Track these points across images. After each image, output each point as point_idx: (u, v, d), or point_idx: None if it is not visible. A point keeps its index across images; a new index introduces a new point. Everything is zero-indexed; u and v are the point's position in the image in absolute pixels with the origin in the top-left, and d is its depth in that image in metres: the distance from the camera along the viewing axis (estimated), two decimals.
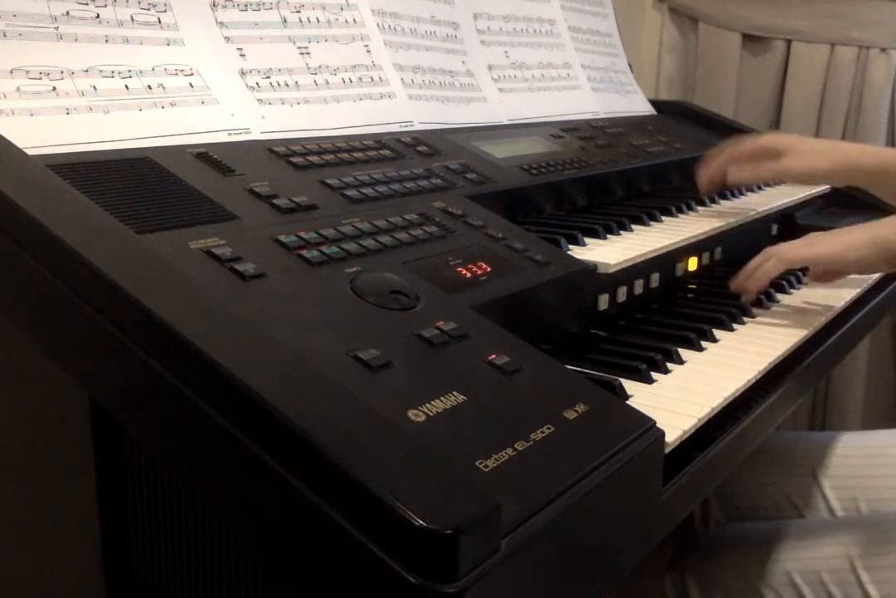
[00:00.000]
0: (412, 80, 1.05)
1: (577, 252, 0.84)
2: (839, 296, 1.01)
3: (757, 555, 0.96)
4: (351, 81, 0.97)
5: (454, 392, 0.51)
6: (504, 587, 0.43)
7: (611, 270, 0.82)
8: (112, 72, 0.76)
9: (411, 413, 0.48)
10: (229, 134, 0.81)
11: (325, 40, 0.96)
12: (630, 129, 1.33)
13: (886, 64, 1.82)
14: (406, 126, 1.00)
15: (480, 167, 0.95)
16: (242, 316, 0.51)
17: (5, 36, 0.70)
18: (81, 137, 0.70)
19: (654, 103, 1.56)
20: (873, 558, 0.90)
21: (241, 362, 0.46)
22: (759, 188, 1.29)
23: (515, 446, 0.48)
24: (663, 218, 1.03)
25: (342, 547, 0.42)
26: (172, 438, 0.50)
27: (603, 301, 0.87)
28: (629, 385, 0.68)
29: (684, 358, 0.76)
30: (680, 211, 1.08)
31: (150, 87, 0.78)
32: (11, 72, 0.70)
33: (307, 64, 0.93)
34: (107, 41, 0.77)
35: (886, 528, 0.95)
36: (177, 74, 0.80)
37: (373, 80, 0.99)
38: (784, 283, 1.03)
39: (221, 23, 0.87)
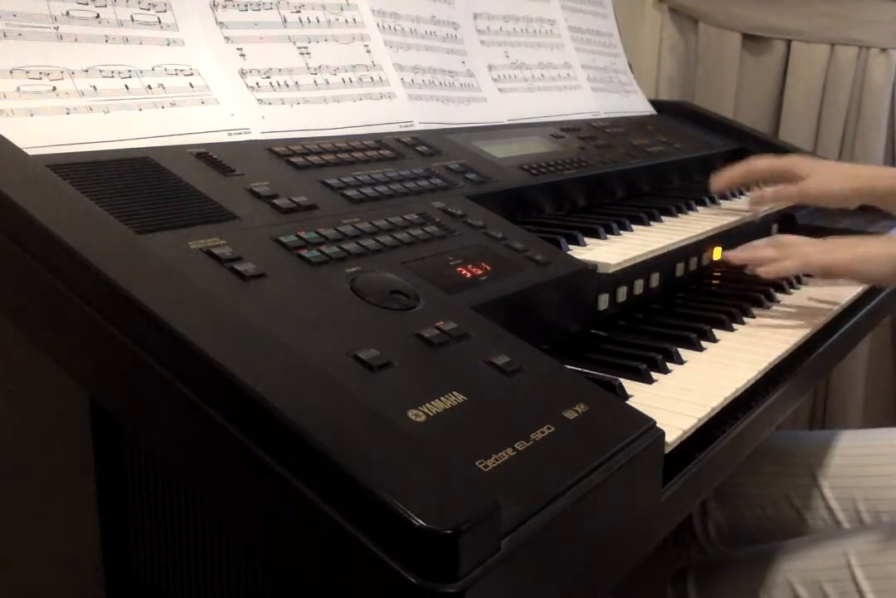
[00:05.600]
0: (412, 80, 1.05)
1: (577, 252, 0.84)
2: (839, 296, 1.01)
3: (758, 566, 0.96)
4: (351, 81, 0.97)
5: (454, 392, 0.51)
6: (504, 587, 0.43)
7: (611, 270, 0.82)
8: (112, 72, 0.76)
9: (411, 413, 0.48)
10: (229, 134, 0.81)
11: (325, 40, 0.96)
12: (630, 129, 1.33)
13: (886, 64, 1.82)
14: (406, 126, 1.00)
15: (480, 167, 0.95)
16: (242, 316, 0.51)
17: (5, 36, 0.70)
18: (81, 137, 0.70)
19: (654, 103, 1.56)
20: (870, 556, 0.90)
21: (240, 361, 0.46)
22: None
23: (515, 446, 0.48)
24: (663, 218, 1.03)
25: (342, 547, 0.42)
26: (172, 437, 0.50)
27: (603, 301, 0.87)
28: (629, 385, 0.68)
29: (684, 358, 0.76)
30: (680, 211, 1.08)
31: (150, 87, 0.78)
32: (11, 72, 0.69)
33: (307, 64, 0.93)
34: (107, 41, 0.77)
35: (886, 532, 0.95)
36: (177, 74, 0.80)
37: (373, 80, 0.99)
38: (784, 283, 1.03)
39: (221, 23, 0.87)
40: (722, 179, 1.13)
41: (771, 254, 0.90)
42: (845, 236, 0.95)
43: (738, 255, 0.92)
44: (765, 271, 0.90)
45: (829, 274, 0.93)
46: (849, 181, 1.06)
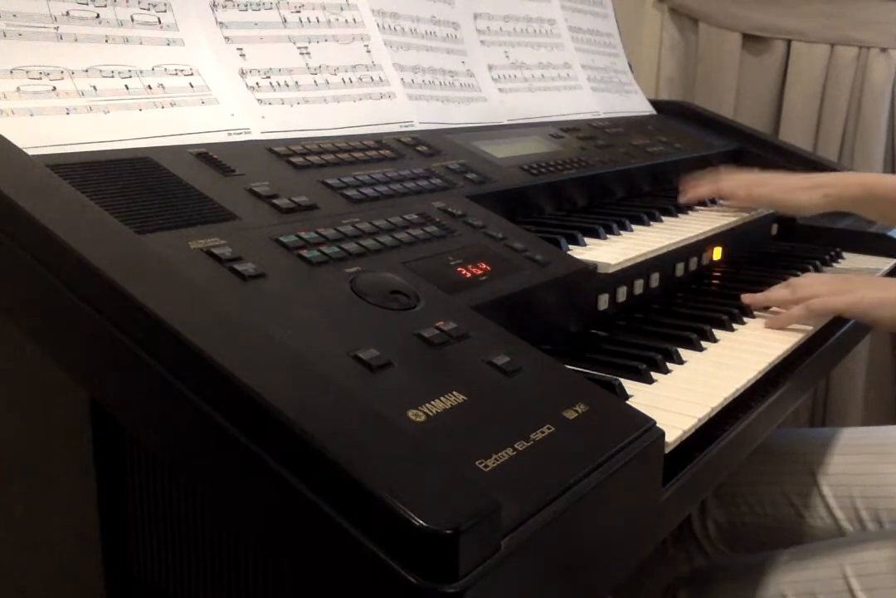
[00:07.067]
0: (412, 80, 1.05)
1: (577, 252, 0.84)
2: None
3: (751, 577, 0.96)
4: (351, 81, 0.97)
5: (454, 392, 0.51)
6: (504, 587, 0.43)
7: (611, 270, 0.82)
8: (112, 72, 0.76)
9: (411, 413, 0.48)
10: (229, 134, 0.81)
11: (325, 40, 0.96)
12: (630, 129, 1.33)
13: (886, 64, 1.82)
14: (406, 126, 1.00)
15: (480, 167, 0.95)
16: (242, 316, 0.51)
17: (5, 36, 0.70)
18: (81, 137, 0.70)
19: (654, 103, 1.56)
20: (866, 567, 0.90)
21: (240, 362, 0.46)
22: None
23: (515, 446, 0.48)
24: (663, 218, 1.03)
25: (342, 547, 0.42)
26: (172, 437, 0.50)
27: (603, 301, 0.87)
28: (629, 385, 0.68)
29: (684, 358, 0.76)
30: (680, 211, 1.08)
31: (150, 87, 0.78)
32: (11, 72, 0.69)
33: (307, 64, 0.93)
34: (107, 41, 0.77)
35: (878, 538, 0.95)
36: (177, 74, 0.80)
37: (373, 80, 0.99)
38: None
39: (221, 23, 0.87)
40: (690, 196, 1.13)
41: (784, 295, 0.90)
42: (862, 275, 0.92)
43: (755, 297, 0.91)
44: (770, 323, 0.88)
45: (843, 316, 0.91)
46: (806, 188, 1.06)
